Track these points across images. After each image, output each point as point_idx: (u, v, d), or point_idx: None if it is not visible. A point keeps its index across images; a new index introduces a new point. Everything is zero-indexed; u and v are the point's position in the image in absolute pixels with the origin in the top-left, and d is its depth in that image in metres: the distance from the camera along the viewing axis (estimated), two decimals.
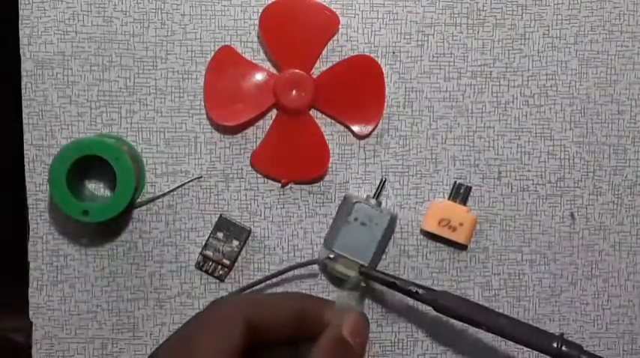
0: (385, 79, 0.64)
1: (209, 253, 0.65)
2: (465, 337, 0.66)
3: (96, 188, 0.65)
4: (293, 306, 0.47)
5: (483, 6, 0.65)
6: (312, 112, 0.65)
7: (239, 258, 0.65)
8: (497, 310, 0.66)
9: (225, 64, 0.64)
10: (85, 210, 0.59)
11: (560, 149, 0.66)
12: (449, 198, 0.65)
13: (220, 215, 0.65)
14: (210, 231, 0.65)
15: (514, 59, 0.65)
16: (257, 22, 0.64)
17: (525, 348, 0.66)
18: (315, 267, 0.65)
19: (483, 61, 0.65)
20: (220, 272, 0.65)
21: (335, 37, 0.64)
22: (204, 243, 0.65)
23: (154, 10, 0.64)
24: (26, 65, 0.64)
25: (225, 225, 0.65)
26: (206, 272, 0.65)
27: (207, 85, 0.64)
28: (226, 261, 0.65)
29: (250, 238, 0.65)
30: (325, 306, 0.48)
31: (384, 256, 0.65)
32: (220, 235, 0.65)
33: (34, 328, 0.65)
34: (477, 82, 0.65)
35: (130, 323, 0.65)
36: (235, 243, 0.65)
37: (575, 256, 0.66)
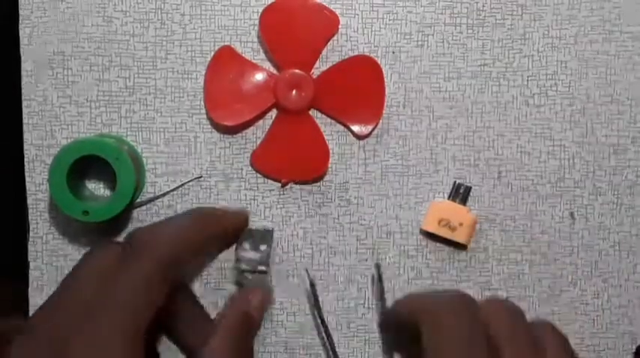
0: (385, 79, 0.64)
1: None
2: None
3: (96, 188, 0.65)
4: (202, 233, 0.57)
5: (483, 6, 0.65)
6: (312, 112, 0.65)
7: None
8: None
9: (225, 64, 0.64)
10: (85, 210, 0.59)
11: (560, 149, 0.66)
12: (449, 198, 0.65)
13: None
14: None
15: (514, 59, 0.65)
16: (257, 22, 0.64)
17: None
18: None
19: (483, 61, 0.65)
20: None
21: (335, 37, 0.64)
22: None
23: (153, 10, 0.64)
24: (26, 65, 0.64)
25: None
26: None
27: (207, 85, 0.64)
28: None
29: None
30: (223, 212, 0.60)
31: (384, 256, 0.65)
32: None
33: None
34: (477, 82, 0.65)
35: None
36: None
37: (575, 256, 0.66)
